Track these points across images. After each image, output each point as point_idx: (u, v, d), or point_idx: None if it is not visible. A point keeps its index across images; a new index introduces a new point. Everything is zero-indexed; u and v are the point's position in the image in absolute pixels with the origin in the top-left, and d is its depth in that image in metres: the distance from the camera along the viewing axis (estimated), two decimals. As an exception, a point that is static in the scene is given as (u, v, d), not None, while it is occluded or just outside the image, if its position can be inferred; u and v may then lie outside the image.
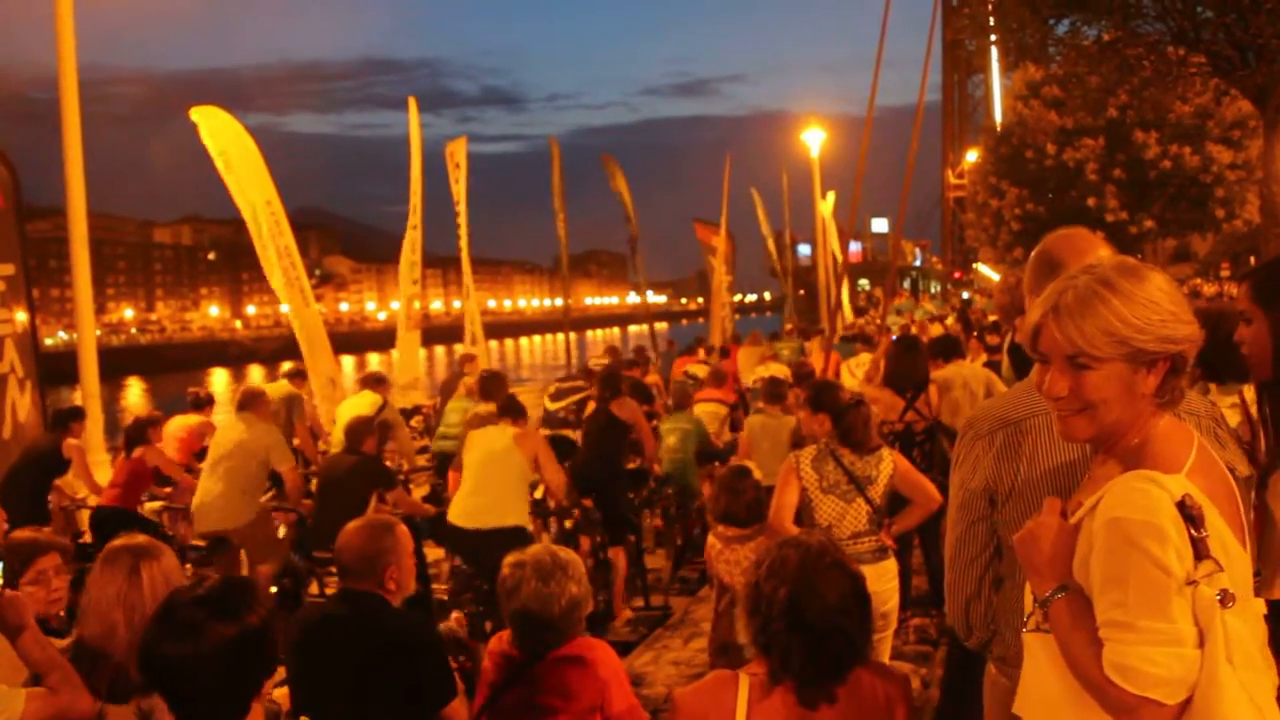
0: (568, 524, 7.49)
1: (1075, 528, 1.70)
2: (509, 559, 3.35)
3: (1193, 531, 1.58)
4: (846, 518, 4.63)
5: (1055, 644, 1.69)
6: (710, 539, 4.92)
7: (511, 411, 6.85)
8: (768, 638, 2.35)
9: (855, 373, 9.60)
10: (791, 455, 4.73)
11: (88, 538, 7.60)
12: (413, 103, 14.73)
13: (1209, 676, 1.55)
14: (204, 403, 9.94)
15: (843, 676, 2.33)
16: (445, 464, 8.33)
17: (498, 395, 7.54)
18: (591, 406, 8.23)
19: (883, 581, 4.72)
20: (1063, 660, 1.68)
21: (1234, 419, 3.28)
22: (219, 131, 11.05)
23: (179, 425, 8.99)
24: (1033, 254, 2.44)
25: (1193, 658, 1.56)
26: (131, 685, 2.81)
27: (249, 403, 7.54)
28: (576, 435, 8.55)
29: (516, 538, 6.27)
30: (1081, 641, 1.62)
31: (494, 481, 6.41)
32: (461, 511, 6.46)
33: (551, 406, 10.08)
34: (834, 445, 4.73)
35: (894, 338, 8.50)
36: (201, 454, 8.93)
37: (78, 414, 8.34)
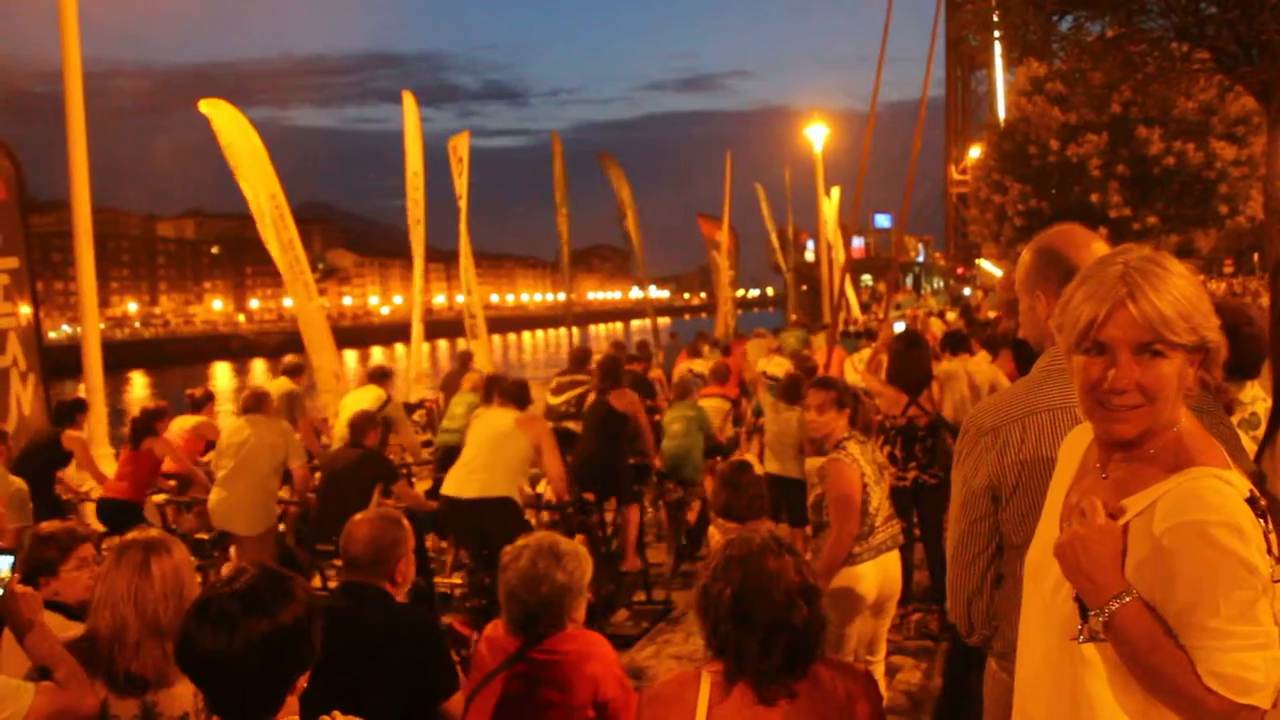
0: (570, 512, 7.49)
1: (1123, 530, 1.62)
2: (512, 544, 3.37)
3: (1264, 527, 1.55)
4: (884, 504, 4.71)
5: (1114, 653, 1.61)
6: (711, 531, 4.93)
7: (516, 400, 6.87)
8: (720, 639, 2.36)
9: (859, 367, 9.60)
10: (841, 453, 4.69)
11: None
12: (408, 97, 14.66)
13: None
14: (202, 402, 9.92)
15: (798, 672, 2.33)
16: (448, 457, 8.35)
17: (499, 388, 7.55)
18: (592, 398, 8.24)
19: (899, 567, 4.81)
20: (1127, 670, 1.61)
21: (1233, 418, 3.28)
22: (225, 125, 11.07)
23: (178, 429, 8.98)
24: (1029, 250, 2.37)
25: None
26: (140, 681, 2.82)
27: (256, 404, 7.52)
28: (578, 427, 8.56)
29: (503, 506, 6.33)
30: (1166, 650, 1.54)
31: (489, 456, 6.49)
32: (452, 482, 6.56)
33: (553, 401, 10.07)
34: (859, 436, 4.81)
35: (896, 332, 8.51)
36: (204, 451, 8.94)
37: (80, 405, 8.34)
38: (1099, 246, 2.25)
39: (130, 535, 3.03)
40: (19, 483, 6.42)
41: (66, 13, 8.75)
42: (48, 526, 3.73)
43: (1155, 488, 1.62)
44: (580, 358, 10.94)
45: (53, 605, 3.39)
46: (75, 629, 3.01)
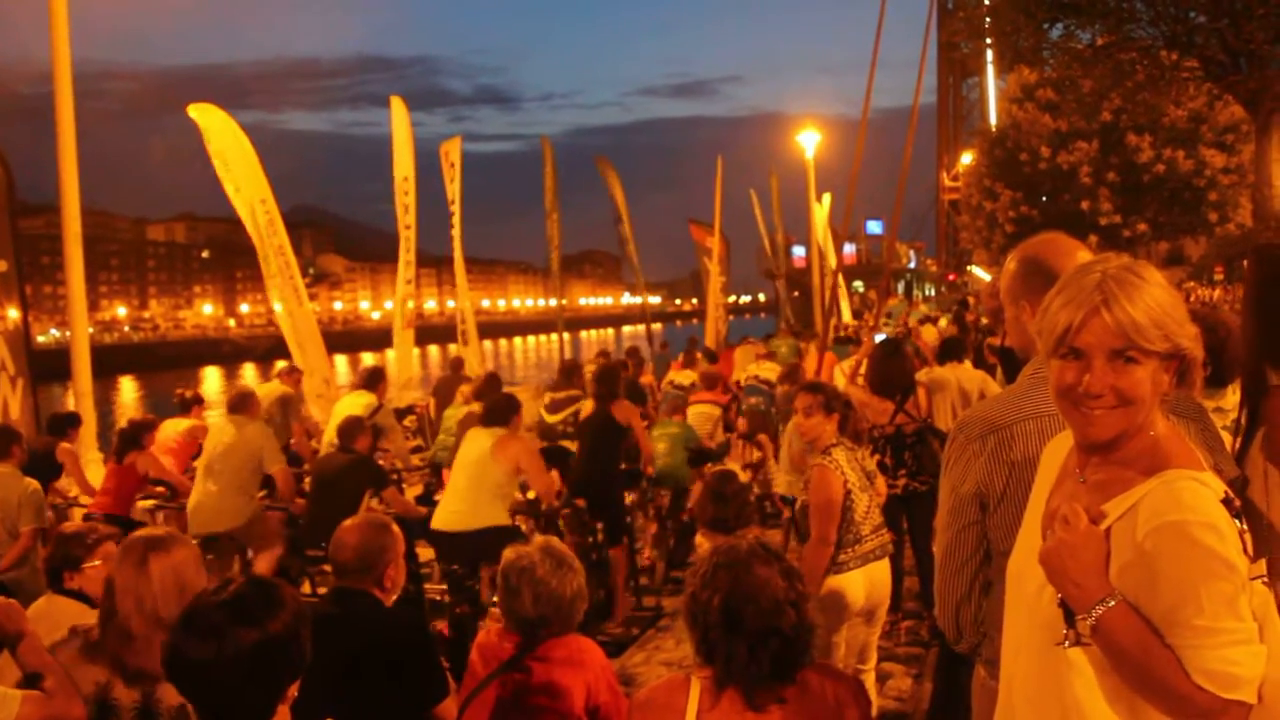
0: (560, 524, 7.48)
1: (1105, 535, 1.65)
2: (514, 547, 3.38)
3: (1239, 527, 1.59)
4: (871, 512, 4.69)
5: (1101, 657, 1.64)
6: (699, 540, 4.91)
7: (496, 420, 6.77)
8: (709, 646, 2.35)
9: (847, 373, 9.61)
10: (824, 459, 4.66)
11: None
12: (397, 102, 14.63)
13: None
14: (191, 404, 9.88)
15: (787, 677, 2.33)
16: (439, 468, 8.34)
17: (488, 396, 7.53)
18: (589, 409, 8.18)
19: (888, 575, 4.81)
20: (1114, 673, 1.63)
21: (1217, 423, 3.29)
22: (216, 129, 11.05)
23: (171, 433, 8.95)
24: (1013, 259, 2.39)
25: (1264, 654, 1.56)
26: (147, 674, 2.82)
27: (240, 404, 7.54)
28: (574, 446, 8.48)
29: (496, 534, 6.31)
30: (1154, 651, 1.57)
31: (470, 487, 6.48)
32: (440, 516, 6.55)
33: (550, 419, 9.98)
34: (848, 444, 4.79)
35: (877, 341, 8.52)
36: (196, 455, 8.91)
37: (73, 420, 8.30)
38: (1083, 255, 2.27)
39: (137, 533, 3.07)
40: (34, 484, 6.39)
41: (57, 14, 8.70)
42: (72, 526, 3.94)
43: (1134, 491, 1.65)
44: (570, 371, 10.86)
45: (75, 595, 3.67)
46: (92, 617, 3.09)
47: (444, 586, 7.16)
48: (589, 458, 7.65)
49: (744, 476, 5.53)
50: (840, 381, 8.52)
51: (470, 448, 6.65)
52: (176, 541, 3.02)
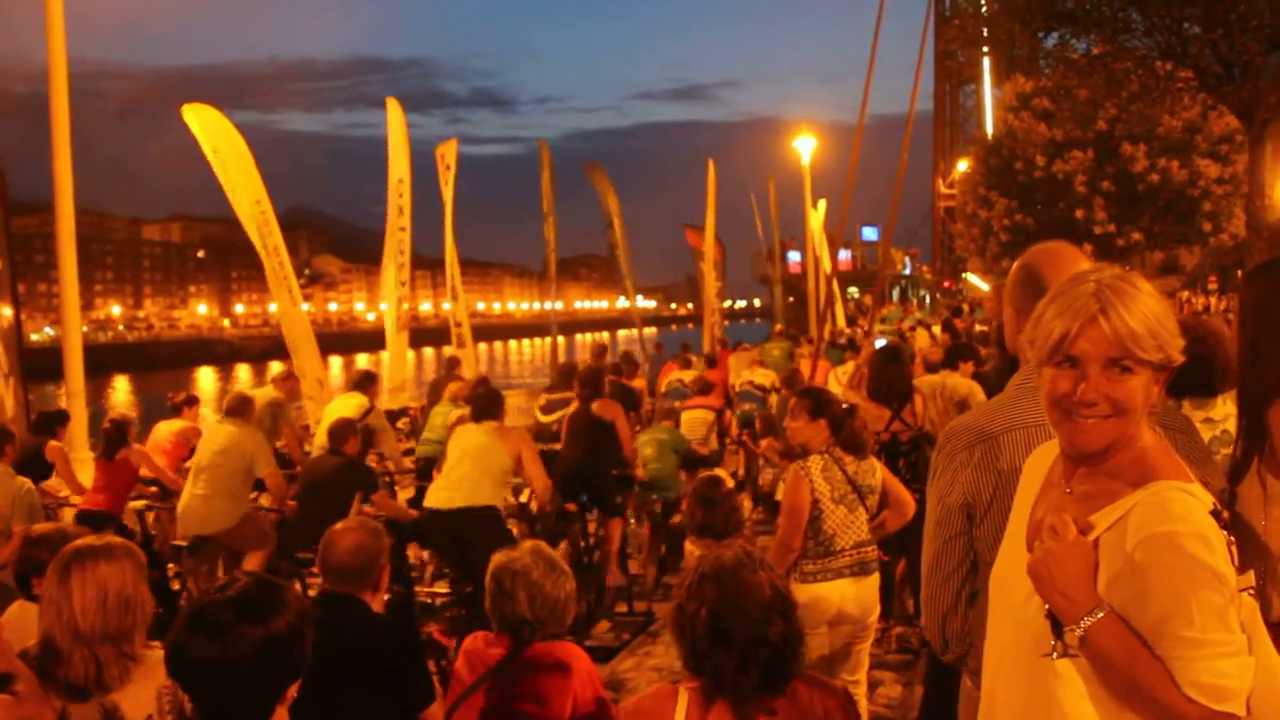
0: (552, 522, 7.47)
1: (1094, 546, 1.65)
2: (506, 552, 3.38)
3: (1227, 538, 1.59)
4: (851, 527, 4.56)
5: (1089, 668, 1.63)
6: (688, 547, 4.89)
7: (486, 414, 6.76)
8: (698, 657, 2.34)
9: (843, 380, 9.61)
10: (798, 465, 4.58)
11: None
12: (393, 103, 14.61)
13: (1274, 681, 1.57)
14: (184, 406, 9.82)
15: (776, 688, 2.32)
16: (429, 468, 8.33)
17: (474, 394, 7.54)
18: (575, 408, 8.21)
19: (874, 591, 4.71)
20: (1101, 684, 1.63)
21: (1205, 435, 3.28)
22: (211, 129, 11.03)
23: (164, 434, 8.92)
24: (1015, 268, 2.41)
25: (1252, 665, 1.56)
26: (89, 684, 2.78)
27: (237, 409, 7.52)
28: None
29: (488, 515, 6.31)
30: (1144, 663, 1.57)
31: (469, 469, 6.45)
32: (436, 496, 6.53)
33: (544, 420, 10.00)
34: (837, 454, 4.64)
35: (876, 347, 8.53)
36: (189, 456, 8.88)
37: (62, 418, 8.27)
38: (1084, 265, 2.27)
39: (69, 545, 2.96)
40: (26, 483, 6.36)
41: (53, 13, 8.68)
42: (40, 528, 3.84)
43: (1121, 502, 1.65)
44: (567, 373, 10.86)
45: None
46: None
47: (436, 589, 7.16)
48: (578, 455, 7.67)
49: (731, 483, 5.49)
50: (835, 387, 8.52)
51: (469, 437, 6.61)
52: (107, 553, 2.88)
